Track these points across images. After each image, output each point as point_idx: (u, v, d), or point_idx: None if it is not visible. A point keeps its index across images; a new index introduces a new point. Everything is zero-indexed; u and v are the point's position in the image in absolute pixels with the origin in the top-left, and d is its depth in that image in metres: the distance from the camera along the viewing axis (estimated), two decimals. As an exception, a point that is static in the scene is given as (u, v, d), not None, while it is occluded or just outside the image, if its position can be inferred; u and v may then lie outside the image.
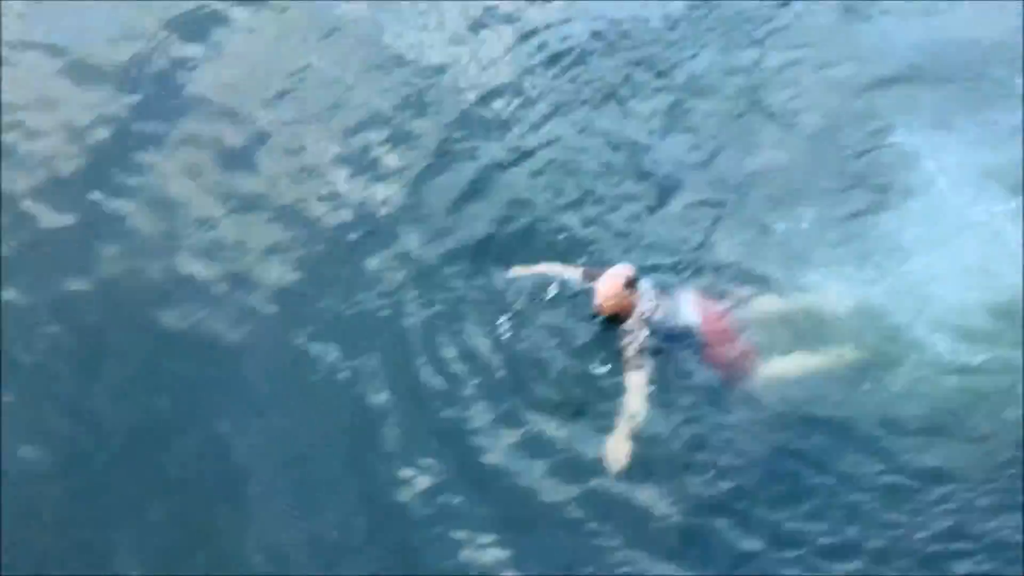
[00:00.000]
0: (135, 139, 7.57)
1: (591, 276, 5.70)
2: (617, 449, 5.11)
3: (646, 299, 5.49)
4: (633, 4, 8.24)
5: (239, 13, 8.63)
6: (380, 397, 5.74)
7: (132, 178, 7.25)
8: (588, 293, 5.68)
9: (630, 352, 5.28)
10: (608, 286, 5.42)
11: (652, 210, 6.57)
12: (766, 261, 6.15)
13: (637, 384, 5.18)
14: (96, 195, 7.18)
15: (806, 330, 5.71)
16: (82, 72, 8.18)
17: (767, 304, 5.80)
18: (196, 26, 8.50)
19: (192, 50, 8.31)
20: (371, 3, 8.57)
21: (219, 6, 8.67)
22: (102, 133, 7.65)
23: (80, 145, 7.56)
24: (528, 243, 6.42)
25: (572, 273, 5.81)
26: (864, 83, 7.34)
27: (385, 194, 6.97)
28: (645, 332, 5.36)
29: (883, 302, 5.89)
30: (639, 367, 5.24)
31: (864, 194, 6.63)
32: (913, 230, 6.30)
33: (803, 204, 6.51)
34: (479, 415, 5.56)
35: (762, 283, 5.98)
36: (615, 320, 5.51)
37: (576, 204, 6.66)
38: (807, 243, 6.27)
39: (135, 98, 7.90)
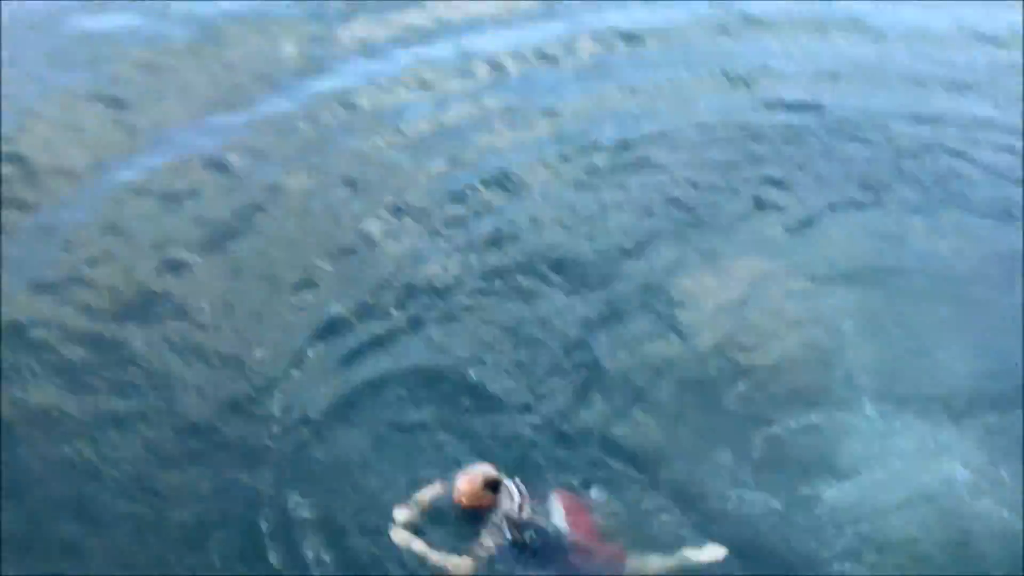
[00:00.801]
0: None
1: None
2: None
3: (508, 499, 5.63)
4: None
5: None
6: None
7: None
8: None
9: (485, 541, 5.58)
10: (464, 483, 5.70)
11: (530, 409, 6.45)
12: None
13: (475, 556, 5.53)
14: None
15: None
16: None
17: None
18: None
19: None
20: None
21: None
22: None
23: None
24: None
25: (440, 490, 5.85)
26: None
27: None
28: (506, 530, 5.55)
29: (822, 523, 5.67)
30: (484, 548, 5.55)
31: (797, 412, 6.39)
32: (849, 450, 6.07)
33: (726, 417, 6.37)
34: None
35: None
36: (476, 513, 5.68)
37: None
38: (735, 453, 6.09)
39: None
